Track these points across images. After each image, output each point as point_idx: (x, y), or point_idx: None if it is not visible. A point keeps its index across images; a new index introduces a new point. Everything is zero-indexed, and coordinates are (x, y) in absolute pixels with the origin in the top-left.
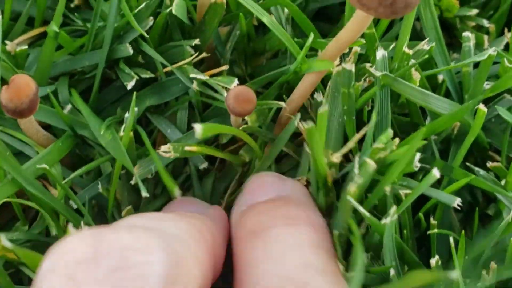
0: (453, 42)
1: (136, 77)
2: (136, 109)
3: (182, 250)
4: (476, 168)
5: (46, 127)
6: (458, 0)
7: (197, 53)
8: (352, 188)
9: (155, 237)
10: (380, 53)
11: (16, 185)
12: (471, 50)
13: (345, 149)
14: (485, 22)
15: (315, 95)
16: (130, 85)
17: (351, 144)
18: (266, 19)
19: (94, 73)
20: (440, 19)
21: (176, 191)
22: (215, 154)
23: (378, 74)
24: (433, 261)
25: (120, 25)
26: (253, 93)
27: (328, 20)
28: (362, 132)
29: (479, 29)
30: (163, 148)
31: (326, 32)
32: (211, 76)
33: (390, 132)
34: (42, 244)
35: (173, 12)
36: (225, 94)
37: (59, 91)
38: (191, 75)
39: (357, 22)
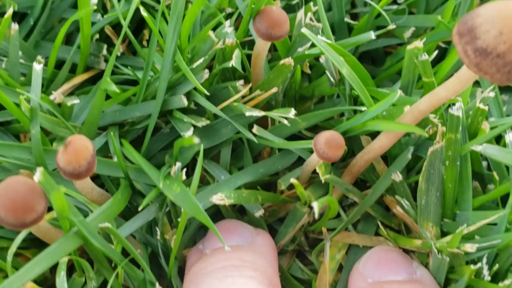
0: None
1: (192, 127)
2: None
3: None
4: None
5: (91, 179)
6: None
7: (249, 90)
8: None
9: None
10: (457, 107)
11: (80, 238)
12: None
13: (473, 228)
14: None
15: (393, 176)
16: (187, 134)
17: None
18: (345, 70)
19: (144, 123)
20: None
21: None
22: (275, 201)
23: (478, 148)
24: None
25: (173, 79)
26: (343, 139)
27: (371, 61)
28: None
29: None
30: (216, 197)
31: (370, 73)
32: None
33: None
34: None
35: (234, 65)
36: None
37: (110, 142)
38: (247, 113)
39: (459, 83)
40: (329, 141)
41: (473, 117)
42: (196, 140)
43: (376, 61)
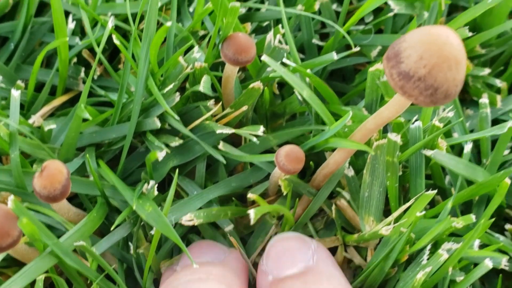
0: (465, 97)
1: (165, 149)
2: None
3: None
4: (496, 235)
5: (70, 198)
6: (471, 62)
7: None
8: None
9: None
10: (415, 125)
11: (55, 257)
12: (488, 116)
13: (390, 218)
14: (497, 82)
15: (346, 171)
16: (161, 156)
17: (396, 214)
18: (305, 92)
19: (120, 144)
20: None
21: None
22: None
23: (430, 153)
24: None
25: (146, 102)
26: (303, 153)
27: (342, 79)
28: (407, 204)
29: (490, 86)
30: (185, 218)
31: (340, 90)
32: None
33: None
34: None
35: (201, 90)
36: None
37: (87, 163)
38: (218, 131)
39: (398, 104)
40: (289, 155)
41: (430, 133)
42: (160, 155)
43: (346, 78)
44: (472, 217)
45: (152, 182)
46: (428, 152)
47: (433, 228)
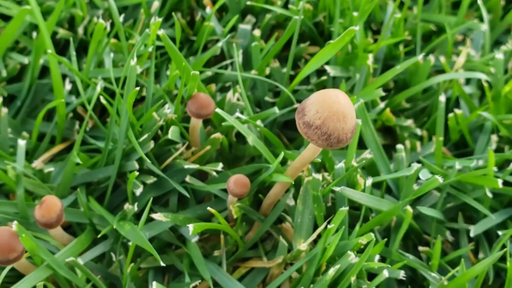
0: (395, 143)
1: (142, 185)
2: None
3: None
4: (407, 254)
5: (66, 228)
6: (394, 114)
7: (186, 147)
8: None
9: None
10: (339, 165)
11: (50, 269)
12: (404, 159)
13: (311, 239)
14: (418, 131)
15: (287, 201)
16: (138, 191)
17: (315, 235)
18: (251, 138)
19: (107, 183)
20: (384, 126)
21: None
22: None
23: (338, 189)
24: None
25: (127, 148)
26: (248, 180)
27: (294, 128)
28: (322, 227)
29: (414, 134)
30: (156, 215)
31: (291, 137)
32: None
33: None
34: None
35: (169, 137)
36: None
37: (78, 198)
38: (186, 166)
39: (313, 148)
40: (236, 181)
41: (350, 173)
42: (138, 190)
43: (296, 127)
44: (372, 235)
45: (130, 206)
46: (337, 188)
47: (345, 244)
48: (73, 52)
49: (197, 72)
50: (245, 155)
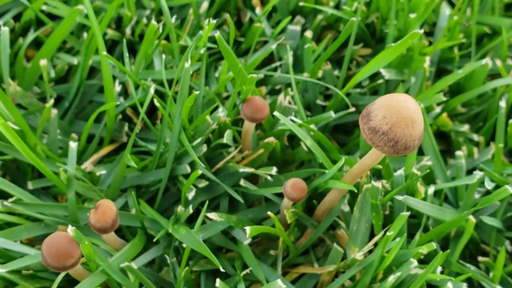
0: (450, 149)
1: (194, 189)
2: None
3: None
4: (468, 265)
5: (116, 231)
6: (449, 119)
7: (239, 151)
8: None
9: None
10: (398, 173)
11: (105, 275)
12: (463, 166)
13: (367, 248)
14: (475, 136)
15: (343, 207)
16: (190, 195)
17: (371, 243)
18: (309, 142)
19: (157, 186)
20: (439, 131)
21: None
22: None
23: (400, 198)
24: None
25: (179, 152)
26: (305, 184)
27: (345, 132)
28: (379, 235)
29: (470, 140)
30: (213, 215)
31: (343, 141)
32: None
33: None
34: None
35: (225, 141)
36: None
37: (129, 201)
38: (241, 170)
39: (375, 154)
40: (294, 185)
41: (411, 180)
42: (190, 194)
43: (348, 132)
44: (434, 244)
45: (183, 209)
46: (399, 197)
47: (404, 253)
48: (126, 54)
49: (255, 75)
50: (295, 160)
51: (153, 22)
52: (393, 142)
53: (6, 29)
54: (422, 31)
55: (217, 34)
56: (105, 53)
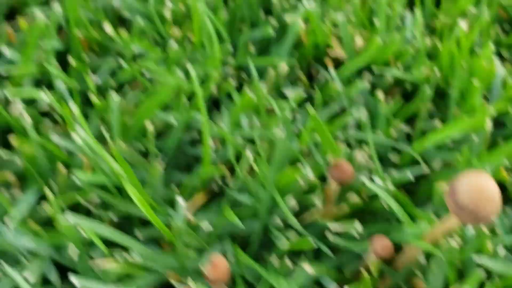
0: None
1: (288, 242)
2: None
3: None
4: None
5: None
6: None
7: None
8: None
9: None
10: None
11: None
12: None
13: None
14: None
15: (419, 257)
16: (283, 245)
17: None
18: (394, 206)
19: (252, 236)
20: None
21: None
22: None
23: (476, 259)
24: None
25: (270, 206)
26: (391, 243)
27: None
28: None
29: None
30: (306, 265)
31: (408, 189)
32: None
33: None
34: None
35: (315, 202)
36: None
37: (227, 249)
38: (330, 226)
39: (456, 221)
40: (381, 244)
41: (480, 238)
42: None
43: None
44: None
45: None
46: (476, 259)
47: None
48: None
49: (341, 148)
50: (369, 207)
51: (248, 92)
52: (477, 219)
53: (117, 99)
54: (492, 108)
55: (313, 112)
56: (204, 118)
